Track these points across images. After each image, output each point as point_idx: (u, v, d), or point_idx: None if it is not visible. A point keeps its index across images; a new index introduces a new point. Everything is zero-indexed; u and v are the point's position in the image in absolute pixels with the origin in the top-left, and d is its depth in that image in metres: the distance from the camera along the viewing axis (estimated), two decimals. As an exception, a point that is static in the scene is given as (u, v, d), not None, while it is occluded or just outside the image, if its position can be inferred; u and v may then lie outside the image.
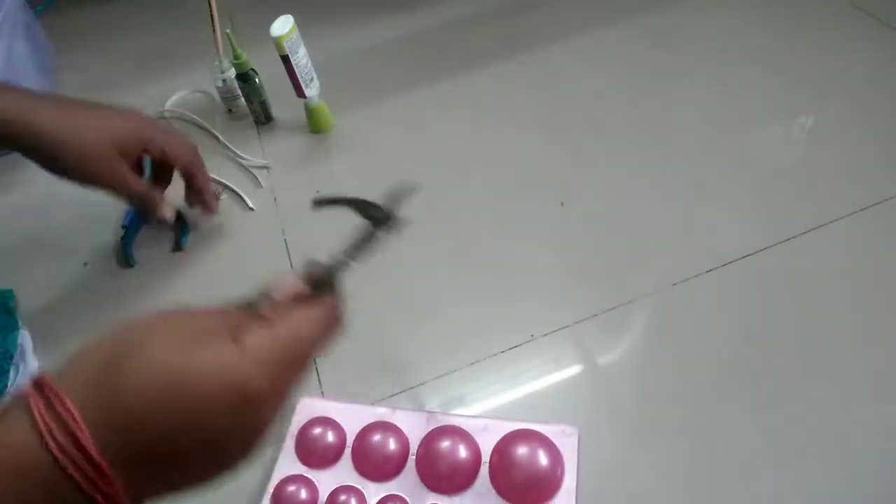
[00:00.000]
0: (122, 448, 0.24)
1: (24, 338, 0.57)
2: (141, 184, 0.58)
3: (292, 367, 0.29)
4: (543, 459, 0.43)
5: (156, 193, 0.60)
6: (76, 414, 0.23)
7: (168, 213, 0.61)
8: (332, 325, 0.32)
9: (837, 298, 0.52)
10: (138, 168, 0.59)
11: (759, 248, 0.56)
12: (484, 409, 0.49)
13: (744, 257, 0.56)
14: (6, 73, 0.76)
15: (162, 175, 0.61)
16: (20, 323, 0.58)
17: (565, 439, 0.45)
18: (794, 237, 0.57)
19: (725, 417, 0.46)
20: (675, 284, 0.55)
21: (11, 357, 0.54)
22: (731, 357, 0.50)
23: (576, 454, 0.44)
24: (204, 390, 0.25)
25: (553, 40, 0.83)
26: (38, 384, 0.24)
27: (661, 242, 0.58)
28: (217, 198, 0.65)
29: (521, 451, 0.44)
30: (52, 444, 0.23)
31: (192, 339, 0.26)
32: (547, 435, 0.45)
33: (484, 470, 0.45)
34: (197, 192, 0.62)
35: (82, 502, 0.23)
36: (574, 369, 0.51)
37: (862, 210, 0.58)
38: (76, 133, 0.52)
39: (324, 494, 0.45)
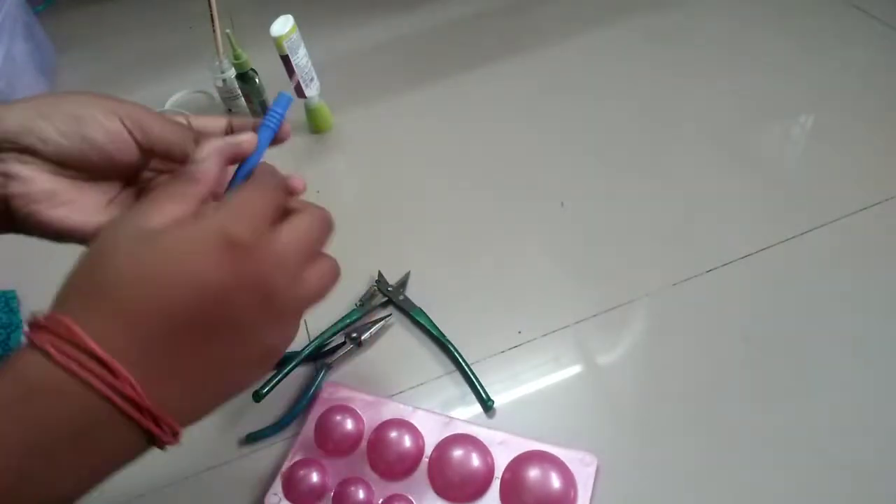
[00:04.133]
0: (126, 337, 0.24)
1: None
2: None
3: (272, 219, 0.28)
4: (556, 484, 0.42)
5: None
6: (66, 320, 0.23)
7: None
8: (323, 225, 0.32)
9: (837, 298, 0.52)
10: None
11: (759, 248, 0.56)
12: (481, 410, 0.49)
13: (744, 257, 0.56)
14: (6, 72, 0.76)
15: None
16: (23, 322, 0.58)
17: (583, 468, 0.44)
18: (794, 237, 0.57)
19: (727, 423, 0.46)
20: (675, 284, 0.55)
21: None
22: (731, 357, 0.50)
23: (591, 483, 0.43)
24: (184, 248, 0.25)
25: (553, 40, 0.83)
26: (32, 321, 0.24)
27: (661, 242, 0.58)
28: None
29: (535, 472, 0.43)
30: (55, 354, 0.23)
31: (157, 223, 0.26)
32: (564, 460, 0.44)
33: (495, 485, 0.44)
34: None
35: (102, 408, 0.23)
36: (574, 369, 0.51)
37: (862, 210, 0.58)
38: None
39: (334, 482, 0.45)
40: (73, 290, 0.25)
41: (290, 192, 0.34)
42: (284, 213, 0.30)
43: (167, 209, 0.27)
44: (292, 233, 0.29)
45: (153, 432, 0.24)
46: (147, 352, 0.24)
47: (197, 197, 0.29)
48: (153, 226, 0.26)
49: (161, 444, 0.25)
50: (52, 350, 0.23)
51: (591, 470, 0.44)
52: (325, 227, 0.32)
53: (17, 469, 0.22)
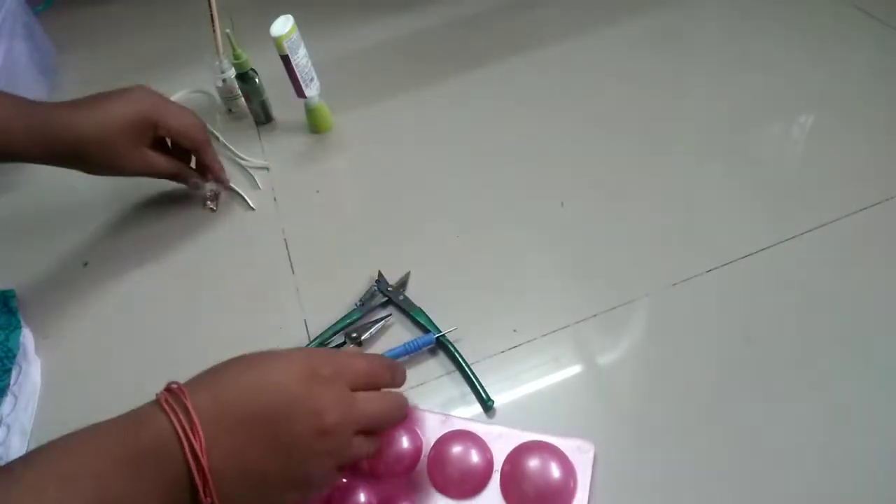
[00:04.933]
0: (213, 409, 0.33)
1: (27, 337, 0.57)
2: (165, 163, 0.63)
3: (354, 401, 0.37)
4: (556, 473, 0.43)
5: (184, 167, 0.65)
6: (183, 387, 0.34)
7: (200, 181, 0.66)
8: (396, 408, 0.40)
9: (837, 298, 0.52)
10: (162, 144, 0.63)
11: (759, 248, 0.56)
12: (481, 409, 0.49)
13: (744, 257, 0.56)
14: (6, 72, 0.76)
15: (179, 149, 0.65)
16: (22, 322, 0.58)
17: (580, 455, 0.44)
18: (794, 237, 0.57)
19: (726, 420, 0.46)
20: (675, 284, 0.55)
21: (14, 356, 0.54)
22: (731, 357, 0.50)
23: (590, 471, 0.44)
24: (281, 366, 0.35)
25: (552, 40, 0.83)
26: (167, 384, 0.35)
27: (660, 242, 0.58)
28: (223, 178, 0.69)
29: (534, 462, 0.43)
30: (163, 404, 0.33)
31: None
32: (562, 449, 0.44)
33: (495, 478, 0.44)
34: (204, 168, 0.66)
35: (177, 457, 0.31)
36: (573, 369, 0.51)
37: (862, 210, 0.58)
38: (92, 134, 0.56)
39: (334, 486, 0.44)
40: (202, 375, 0.35)
41: (394, 384, 0.42)
42: (377, 388, 0.39)
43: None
44: (367, 403, 0.37)
45: (195, 482, 0.31)
46: (221, 423, 0.33)
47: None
48: (275, 353, 0.36)
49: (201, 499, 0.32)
50: (162, 401, 0.33)
51: (589, 456, 0.44)
52: (395, 414, 0.40)
53: (111, 473, 0.31)
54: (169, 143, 0.64)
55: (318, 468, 0.35)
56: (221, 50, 0.74)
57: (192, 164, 0.67)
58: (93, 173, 0.60)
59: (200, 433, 0.32)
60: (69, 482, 0.30)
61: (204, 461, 0.31)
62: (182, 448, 0.31)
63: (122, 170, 0.60)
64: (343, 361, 0.37)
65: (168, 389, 0.34)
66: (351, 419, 0.36)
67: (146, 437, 0.32)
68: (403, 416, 0.40)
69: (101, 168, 0.60)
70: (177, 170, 0.64)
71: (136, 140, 0.58)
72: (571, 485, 0.43)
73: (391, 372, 0.41)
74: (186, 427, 0.31)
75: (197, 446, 0.31)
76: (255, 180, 0.70)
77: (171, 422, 0.32)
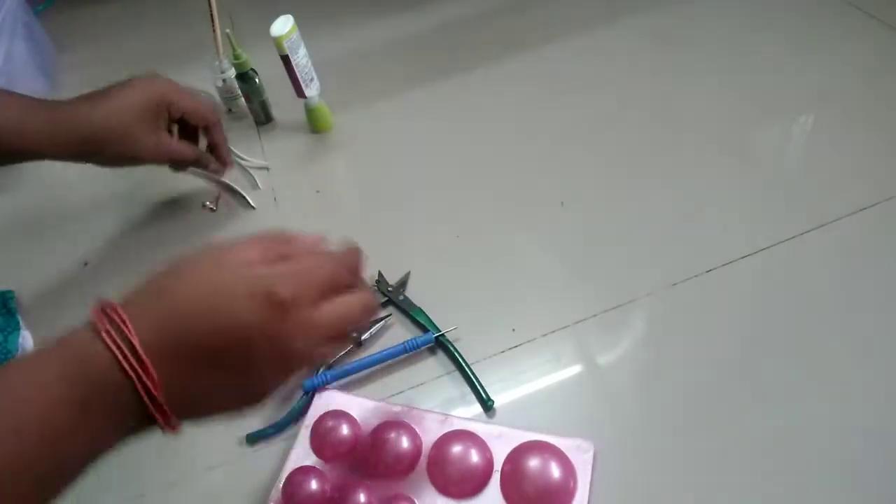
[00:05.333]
0: (161, 343, 0.30)
1: (26, 339, 0.57)
2: (183, 147, 0.62)
3: (314, 302, 0.34)
4: (556, 472, 0.43)
5: (202, 151, 0.65)
6: (125, 317, 0.30)
7: (220, 166, 0.66)
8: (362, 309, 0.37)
9: (837, 298, 0.52)
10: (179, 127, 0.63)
11: (759, 248, 0.56)
12: (481, 409, 0.49)
13: (744, 257, 0.56)
14: (6, 73, 0.76)
15: (187, 131, 0.64)
16: (21, 324, 0.58)
17: (580, 454, 0.44)
18: (794, 237, 0.57)
19: (726, 420, 0.46)
20: (675, 284, 0.55)
21: (13, 358, 0.54)
22: (731, 357, 0.50)
23: (590, 470, 0.44)
24: (234, 289, 0.31)
25: (553, 40, 0.83)
26: (99, 304, 0.31)
27: (661, 242, 0.58)
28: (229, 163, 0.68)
29: (535, 462, 0.43)
30: (106, 338, 0.29)
31: (227, 262, 0.33)
32: (562, 448, 0.44)
33: (495, 478, 0.44)
34: (213, 148, 0.66)
35: (128, 392, 0.29)
36: (574, 369, 0.51)
37: (862, 210, 0.58)
38: (109, 123, 0.56)
39: (335, 487, 0.45)
40: (145, 291, 0.32)
41: (357, 280, 0.38)
42: (339, 290, 0.36)
43: (245, 252, 0.33)
44: (331, 312, 0.34)
45: (158, 421, 0.30)
46: (172, 359, 0.30)
47: (278, 252, 0.34)
48: (228, 258, 0.33)
49: (161, 426, 0.31)
50: (103, 333, 0.29)
51: (589, 456, 0.44)
52: (364, 312, 0.37)
53: (55, 417, 0.29)
54: (175, 133, 0.63)
55: (278, 385, 0.34)
56: (221, 50, 0.74)
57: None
58: (110, 166, 0.59)
59: (153, 374, 0.29)
60: (13, 432, 0.28)
61: (158, 395, 0.29)
62: (134, 387, 0.29)
63: (141, 157, 0.59)
64: (303, 276, 0.34)
65: (104, 312, 0.30)
66: (315, 339, 0.34)
67: (92, 376, 0.29)
68: (371, 315, 0.38)
69: (120, 158, 0.59)
70: (195, 154, 0.63)
71: (152, 123, 0.58)
72: (571, 485, 0.43)
73: (352, 269, 0.38)
74: (138, 369, 0.29)
75: (150, 385, 0.29)
76: (255, 180, 0.70)
77: (117, 360, 0.29)
